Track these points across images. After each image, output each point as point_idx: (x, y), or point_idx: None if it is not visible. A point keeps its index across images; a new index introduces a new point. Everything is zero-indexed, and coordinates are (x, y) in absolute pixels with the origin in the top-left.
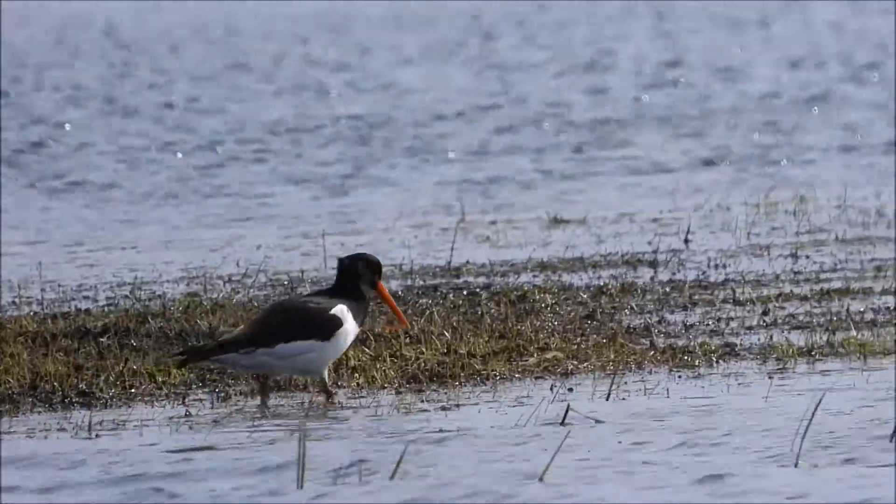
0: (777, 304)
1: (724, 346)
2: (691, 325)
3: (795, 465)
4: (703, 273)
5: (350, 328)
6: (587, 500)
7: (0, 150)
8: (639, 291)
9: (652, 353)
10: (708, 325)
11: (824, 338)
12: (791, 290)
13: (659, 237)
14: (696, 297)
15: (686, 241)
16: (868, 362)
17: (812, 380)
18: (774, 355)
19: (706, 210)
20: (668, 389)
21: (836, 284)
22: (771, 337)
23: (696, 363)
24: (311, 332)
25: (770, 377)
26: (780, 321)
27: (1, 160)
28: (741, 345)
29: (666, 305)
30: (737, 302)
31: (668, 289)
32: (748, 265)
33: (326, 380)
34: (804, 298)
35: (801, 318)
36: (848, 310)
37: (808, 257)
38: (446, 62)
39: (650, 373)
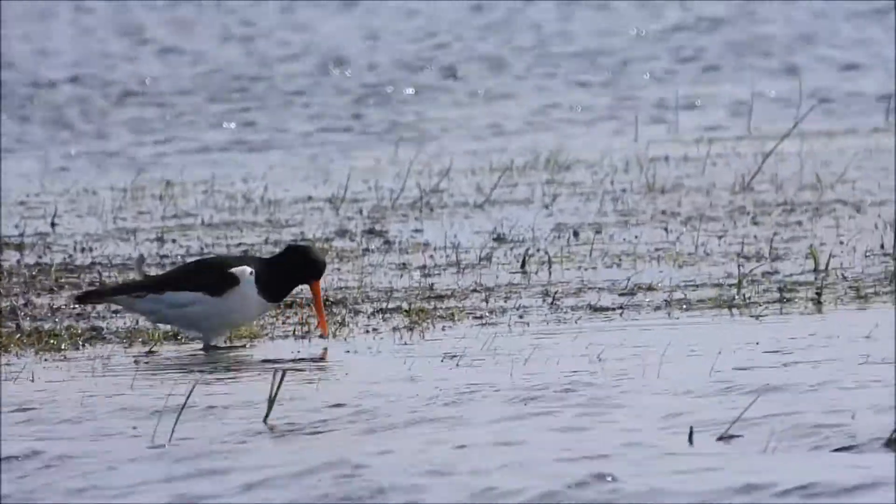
0: None
1: (91, 330)
2: (58, 309)
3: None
4: (70, 257)
5: (248, 293)
6: None
7: None
8: (5, 274)
9: (18, 336)
10: (74, 308)
11: None
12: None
13: (25, 220)
14: (63, 280)
15: (53, 224)
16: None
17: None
18: (141, 339)
19: (73, 194)
20: (33, 373)
21: None
22: (137, 321)
23: (63, 346)
24: (201, 284)
25: (136, 361)
26: None
27: None
28: (108, 328)
29: (32, 288)
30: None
31: (34, 272)
32: (115, 249)
33: (209, 342)
34: None
35: None
36: None
37: (174, 241)
38: None
39: (17, 356)
